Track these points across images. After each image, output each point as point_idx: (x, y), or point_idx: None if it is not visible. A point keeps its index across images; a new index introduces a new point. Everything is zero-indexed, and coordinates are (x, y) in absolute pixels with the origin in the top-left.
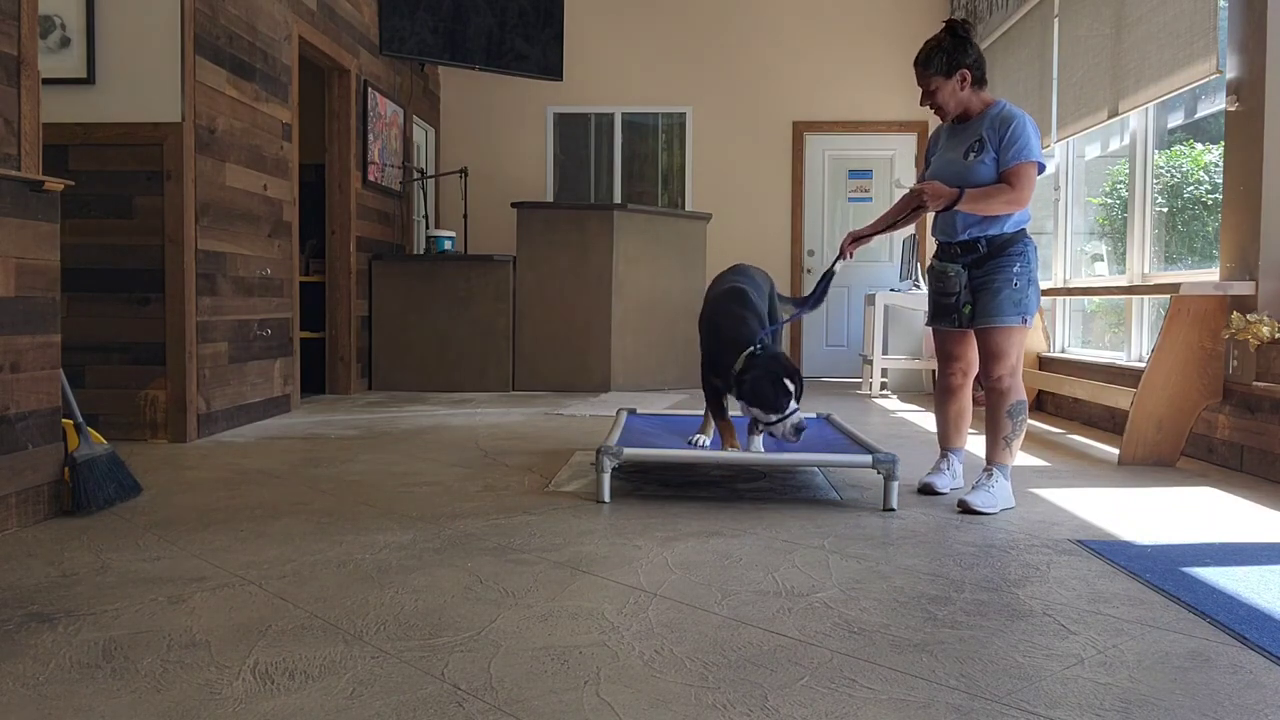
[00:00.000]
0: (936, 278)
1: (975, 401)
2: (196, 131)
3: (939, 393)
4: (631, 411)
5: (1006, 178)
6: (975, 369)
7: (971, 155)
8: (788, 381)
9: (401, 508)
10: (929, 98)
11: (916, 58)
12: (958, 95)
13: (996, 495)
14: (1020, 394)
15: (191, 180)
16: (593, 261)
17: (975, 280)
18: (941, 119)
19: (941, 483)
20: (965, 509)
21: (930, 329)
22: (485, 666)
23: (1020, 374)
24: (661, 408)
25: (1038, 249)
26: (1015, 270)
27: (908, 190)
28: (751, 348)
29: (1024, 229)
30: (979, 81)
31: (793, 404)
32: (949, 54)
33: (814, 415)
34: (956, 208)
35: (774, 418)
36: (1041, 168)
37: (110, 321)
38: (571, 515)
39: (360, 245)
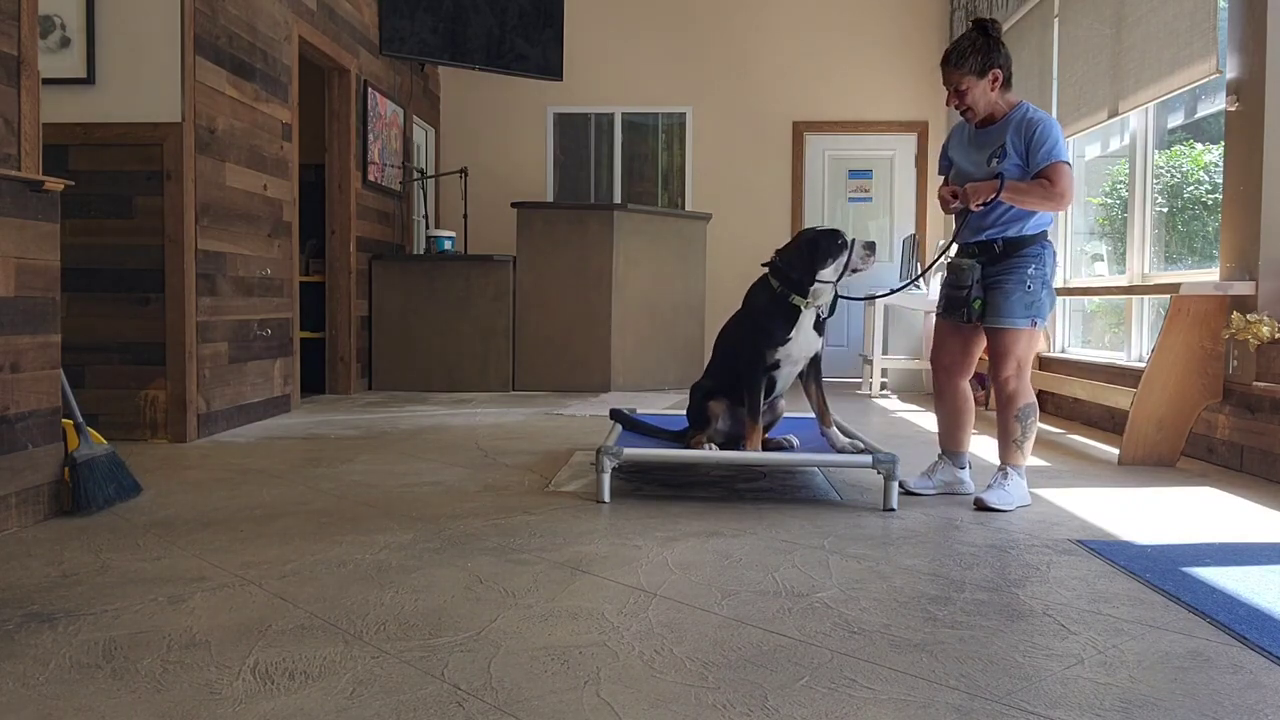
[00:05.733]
0: (952, 271)
1: (977, 400)
2: (196, 131)
3: (935, 393)
4: (632, 411)
5: (1044, 176)
6: (962, 370)
7: (995, 161)
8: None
9: (401, 508)
10: (959, 98)
11: (947, 56)
12: (988, 96)
13: (1012, 493)
14: (1028, 397)
15: (191, 180)
16: (593, 261)
17: (989, 278)
18: (968, 120)
19: (918, 484)
20: (981, 506)
21: (933, 328)
22: (485, 666)
23: (1028, 376)
24: (661, 408)
25: (1056, 254)
26: (1029, 272)
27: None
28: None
29: (1045, 231)
30: (1007, 83)
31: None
32: (983, 53)
33: (812, 416)
34: (1000, 198)
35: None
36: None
37: (110, 321)
38: (571, 515)
39: (360, 245)
